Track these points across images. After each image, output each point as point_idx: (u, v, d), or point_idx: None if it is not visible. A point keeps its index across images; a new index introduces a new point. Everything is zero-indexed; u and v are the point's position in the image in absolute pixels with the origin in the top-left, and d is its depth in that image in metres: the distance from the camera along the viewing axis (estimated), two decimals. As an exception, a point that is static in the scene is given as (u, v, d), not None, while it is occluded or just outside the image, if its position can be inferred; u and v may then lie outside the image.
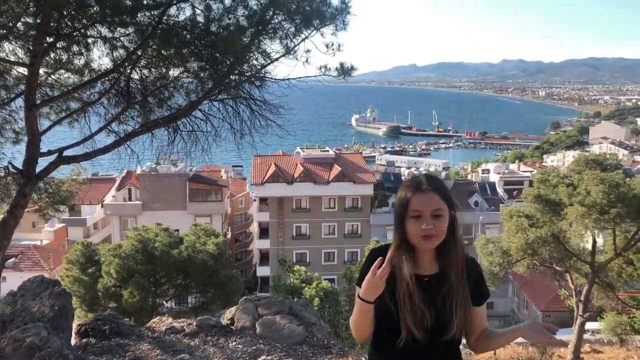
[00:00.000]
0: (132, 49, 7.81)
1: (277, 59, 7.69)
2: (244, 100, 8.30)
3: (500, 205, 43.28)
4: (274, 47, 7.71)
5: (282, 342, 5.93)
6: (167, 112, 8.59)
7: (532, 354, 17.84)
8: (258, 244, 47.67)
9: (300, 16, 7.14)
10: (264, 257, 46.22)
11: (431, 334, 2.20)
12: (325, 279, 22.11)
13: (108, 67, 8.27)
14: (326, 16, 7.17)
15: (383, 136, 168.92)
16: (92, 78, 8.39)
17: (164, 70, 8.48)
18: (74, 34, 7.76)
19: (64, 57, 8.17)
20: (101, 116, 8.86)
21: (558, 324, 27.81)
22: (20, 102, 8.53)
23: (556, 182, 17.69)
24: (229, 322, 6.35)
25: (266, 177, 44.34)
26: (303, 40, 7.41)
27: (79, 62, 8.34)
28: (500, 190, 50.93)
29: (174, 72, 8.50)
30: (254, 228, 50.55)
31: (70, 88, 8.64)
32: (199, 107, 8.45)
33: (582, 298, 18.58)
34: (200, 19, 7.65)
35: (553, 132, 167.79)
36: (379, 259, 2.18)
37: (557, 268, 19.04)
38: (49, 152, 8.26)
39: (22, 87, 8.34)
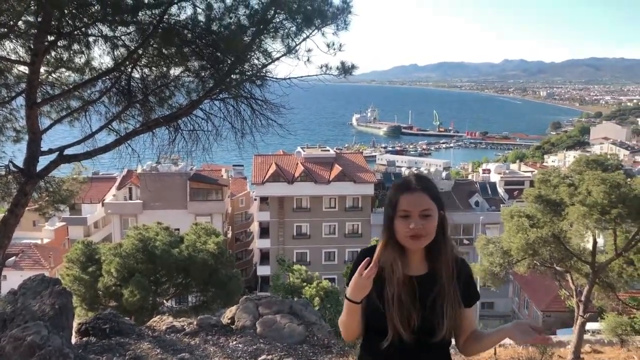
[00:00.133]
0: (133, 47, 7.81)
1: (278, 58, 7.70)
2: (245, 100, 8.30)
3: (501, 205, 43.28)
4: (275, 46, 7.72)
5: (282, 341, 5.93)
6: (168, 111, 8.59)
7: (533, 354, 17.83)
8: (258, 244, 47.68)
9: (301, 15, 7.14)
10: (265, 257, 46.23)
11: (418, 334, 2.19)
12: (325, 279, 22.14)
13: (109, 65, 8.27)
14: (327, 16, 7.16)
15: (384, 136, 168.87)
16: (93, 77, 8.39)
17: (164, 69, 8.48)
18: (75, 32, 7.76)
19: (65, 55, 8.18)
20: (102, 115, 8.86)
21: (558, 324, 27.82)
22: (21, 100, 8.53)
23: (557, 182, 17.68)
24: (229, 321, 6.35)
25: (267, 177, 44.34)
26: (304, 39, 7.41)
27: (80, 60, 8.35)
28: (501, 190, 50.92)
29: (174, 71, 8.50)
30: (255, 227, 50.56)
31: (71, 87, 8.64)
32: (200, 106, 8.44)
33: (582, 298, 18.57)
34: (201, 17, 7.65)
35: (554, 133, 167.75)
36: (366, 259, 2.17)
37: (558, 268, 19.03)
38: (50, 151, 8.26)
39: (23, 85, 8.34)
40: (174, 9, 7.50)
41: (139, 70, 8.52)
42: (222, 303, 20.29)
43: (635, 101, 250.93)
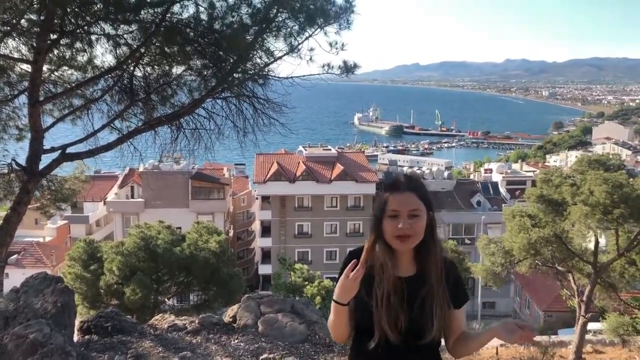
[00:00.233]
0: (135, 46, 7.82)
1: (280, 57, 7.70)
2: (247, 99, 8.31)
3: (503, 205, 43.24)
4: (277, 45, 7.72)
5: (284, 340, 5.93)
6: (170, 109, 8.60)
7: (534, 354, 17.82)
8: (260, 242, 47.71)
9: (304, 14, 7.14)
10: (266, 256, 46.26)
11: (405, 336, 2.18)
12: (327, 278, 22.14)
13: (111, 64, 8.29)
14: (330, 15, 7.16)
15: (385, 135, 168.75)
16: (96, 75, 8.41)
17: (167, 67, 8.50)
18: (78, 30, 7.78)
19: (68, 53, 8.20)
20: (104, 113, 8.88)
21: (560, 324, 27.76)
22: (23, 98, 8.55)
23: (559, 182, 17.66)
24: (231, 320, 6.36)
25: (268, 176, 44.34)
26: (307, 38, 7.42)
27: (83, 59, 8.37)
28: (502, 190, 50.88)
29: (177, 70, 8.52)
30: (256, 226, 50.58)
31: (73, 85, 8.65)
32: (202, 105, 8.45)
33: (584, 298, 18.55)
34: (203, 16, 7.66)
35: (556, 132, 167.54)
36: (353, 261, 2.17)
37: (560, 268, 19.01)
38: (52, 149, 8.28)
39: (26, 83, 8.36)
40: (176, 8, 7.51)
41: (141, 69, 8.54)
42: (223, 302, 20.32)
43: (637, 101, 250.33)
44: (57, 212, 12.21)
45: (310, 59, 7.46)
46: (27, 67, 8.21)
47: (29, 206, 8.77)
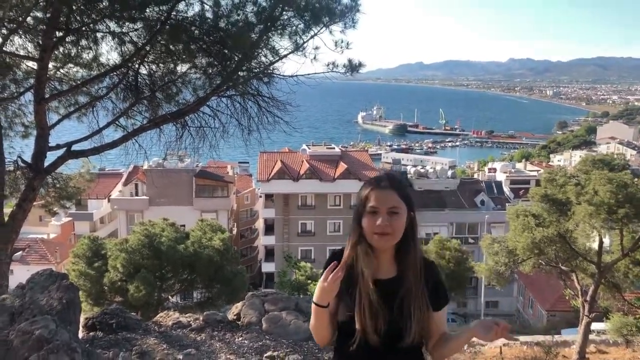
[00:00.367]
0: (140, 44, 7.83)
1: (285, 56, 7.71)
2: (252, 97, 8.32)
3: (507, 204, 43.12)
4: (282, 43, 7.73)
5: (288, 338, 5.94)
6: (175, 107, 8.62)
7: (537, 353, 17.81)
8: (263, 240, 47.76)
9: (309, 13, 7.14)
10: (269, 254, 46.31)
11: (385, 338, 2.16)
12: (330, 276, 22.09)
13: (116, 62, 8.31)
14: (336, 13, 7.17)
15: (389, 134, 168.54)
16: (101, 72, 8.44)
17: (172, 65, 8.52)
18: (83, 28, 7.79)
19: (73, 51, 8.23)
20: (109, 111, 8.91)
21: (563, 324, 27.66)
22: (29, 96, 8.59)
23: (563, 181, 17.61)
24: (235, 317, 6.37)
25: (272, 174, 44.38)
26: (312, 37, 7.42)
27: (88, 56, 8.40)
28: (506, 189, 50.76)
29: (182, 68, 8.53)
30: (260, 224, 50.63)
31: (79, 82, 8.68)
32: (207, 103, 8.47)
33: (588, 298, 18.49)
34: (209, 14, 7.67)
35: (560, 132, 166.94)
36: (333, 262, 2.16)
37: (563, 268, 18.96)
38: (58, 147, 8.31)
39: (32, 81, 8.39)
40: (181, 6, 7.53)
41: (147, 67, 8.56)
42: (227, 299, 20.35)
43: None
44: (61, 210, 12.22)
45: (315, 57, 7.48)
46: (33, 65, 8.25)
47: (34, 203, 8.80)
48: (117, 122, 8.70)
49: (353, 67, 7.65)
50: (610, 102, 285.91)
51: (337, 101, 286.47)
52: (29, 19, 7.57)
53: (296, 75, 7.90)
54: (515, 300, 42.87)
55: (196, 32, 7.81)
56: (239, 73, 8.09)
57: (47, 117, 8.22)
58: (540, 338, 21.55)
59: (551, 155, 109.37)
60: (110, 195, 45.89)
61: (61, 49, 8.08)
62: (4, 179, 8.37)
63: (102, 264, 20.43)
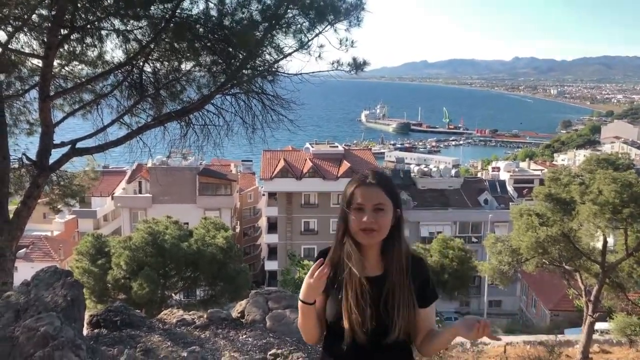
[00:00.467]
0: (145, 42, 7.84)
1: (290, 54, 7.70)
2: (256, 95, 8.32)
3: (510, 203, 43.07)
4: (287, 41, 7.72)
5: (292, 336, 5.95)
6: (180, 105, 8.62)
7: (541, 353, 17.79)
8: (266, 239, 47.80)
9: (314, 11, 7.13)
10: (272, 252, 46.35)
11: (372, 336, 2.16)
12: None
13: (121, 59, 8.32)
14: (340, 11, 7.15)
15: (393, 132, 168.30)
16: (105, 70, 8.45)
17: (176, 63, 8.52)
18: (88, 26, 7.81)
19: (78, 49, 8.24)
20: (113, 109, 8.92)
21: (566, 323, 27.64)
22: (34, 93, 8.61)
23: (568, 181, 17.58)
24: (239, 315, 6.39)
25: (275, 172, 44.41)
26: (317, 35, 7.40)
27: (93, 54, 8.41)
28: (510, 188, 50.67)
29: (186, 66, 8.54)
30: (263, 222, 50.68)
31: (83, 80, 8.69)
32: (212, 101, 8.47)
33: (591, 298, 18.47)
34: (213, 12, 7.67)
35: (564, 131, 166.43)
36: (319, 260, 2.17)
37: (567, 267, 18.93)
38: (62, 144, 8.33)
39: (37, 78, 8.41)
40: (186, 3, 7.53)
41: (151, 65, 8.57)
42: (230, 297, 20.41)
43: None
44: (65, 208, 12.24)
45: (320, 55, 7.46)
46: (38, 62, 8.26)
47: (38, 201, 8.82)
48: (121, 120, 8.70)
49: (358, 66, 7.63)
50: (615, 101, 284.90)
51: (341, 99, 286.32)
52: (34, 16, 7.59)
53: (300, 74, 7.89)
54: (519, 300, 42.82)
55: (201, 30, 7.81)
56: (244, 71, 8.09)
57: (52, 115, 8.24)
58: (543, 337, 21.54)
59: (555, 155, 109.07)
60: (113, 193, 45.99)
61: (66, 47, 8.09)
62: (8, 176, 8.38)
63: (106, 261, 20.49)
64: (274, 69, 8.07)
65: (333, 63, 7.70)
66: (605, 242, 17.60)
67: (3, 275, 7.80)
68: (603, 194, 15.51)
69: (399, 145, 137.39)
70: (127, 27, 7.80)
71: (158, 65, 8.61)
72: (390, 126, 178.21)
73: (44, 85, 7.73)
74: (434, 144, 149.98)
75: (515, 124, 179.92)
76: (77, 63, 8.69)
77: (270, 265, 45.32)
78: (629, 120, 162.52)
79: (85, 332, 5.63)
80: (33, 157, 8.21)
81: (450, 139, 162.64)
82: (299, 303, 2.24)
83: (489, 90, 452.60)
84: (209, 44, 7.93)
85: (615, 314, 18.94)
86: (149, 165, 39.18)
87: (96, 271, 20.32)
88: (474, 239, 43.74)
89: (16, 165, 8.68)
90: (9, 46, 7.83)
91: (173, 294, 21.74)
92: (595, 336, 20.53)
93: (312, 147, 49.97)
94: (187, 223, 25.10)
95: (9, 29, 7.63)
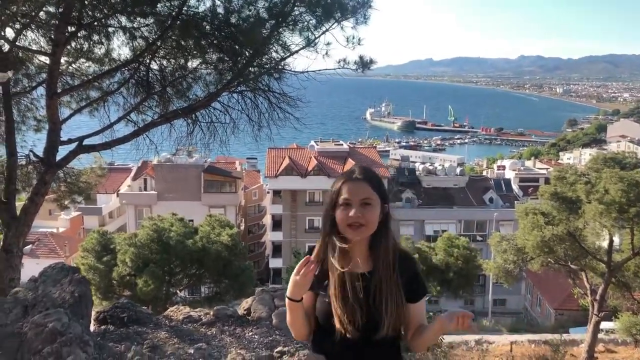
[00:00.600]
0: (151, 39, 7.86)
1: (296, 52, 7.70)
2: (263, 93, 8.32)
3: (515, 202, 42.92)
4: (293, 39, 7.72)
5: (297, 333, 5.94)
6: (186, 103, 8.64)
7: (546, 352, 17.76)
8: (271, 236, 47.84)
9: (321, 8, 7.12)
10: (277, 249, 46.38)
11: (363, 331, 2.16)
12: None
13: (128, 57, 8.34)
14: (348, 9, 7.14)
15: (398, 131, 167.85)
16: (112, 68, 8.48)
17: (183, 61, 8.54)
18: (95, 23, 7.83)
19: (85, 46, 8.27)
20: (120, 106, 8.95)
21: (571, 322, 27.54)
22: (41, 90, 8.65)
23: (574, 179, 17.51)
24: (245, 312, 6.40)
25: (280, 170, 44.42)
26: (323, 32, 7.40)
27: (100, 51, 8.44)
28: (515, 187, 50.49)
29: (192, 63, 8.55)
30: (267, 220, 50.73)
31: (90, 77, 8.72)
32: (218, 99, 8.48)
33: (597, 297, 18.40)
34: (220, 10, 7.69)
35: (570, 130, 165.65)
36: (305, 257, 2.17)
37: (573, 266, 18.87)
38: (69, 141, 8.36)
39: (44, 75, 8.44)
40: (192, 1, 7.55)
41: (158, 62, 8.59)
42: (234, 294, 20.46)
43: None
44: (72, 205, 12.28)
45: (327, 53, 7.45)
46: (45, 59, 8.29)
47: (45, 197, 8.86)
48: (128, 117, 8.73)
49: (364, 64, 7.62)
50: (622, 99, 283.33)
51: (346, 97, 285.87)
52: (41, 13, 7.62)
53: (307, 71, 7.88)
54: (523, 299, 42.73)
55: (207, 27, 7.82)
56: (250, 69, 8.10)
57: (59, 112, 8.27)
58: (548, 336, 21.50)
59: (560, 153, 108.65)
60: (119, 190, 46.12)
61: (73, 44, 8.12)
62: (16, 173, 8.43)
63: (111, 258, 20.56)
64: (280, 67, 8.07)
65: (340, 61, 7.70)
66: (611, 241, 17.53)
67: (10, 271, 7.85)
68: (609, 193, 15.43)
69: (404, 144, 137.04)
70: (134, 25, 7.82)
71: (164, 62, 8.63)
72: (395, 124, 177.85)
73: (51, 83, 7.76)
74: (439, 142, 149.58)
75: (520, 123, 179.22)
76: (84, 60, 8.73)
77: (275, 263, 45.38)
78: (635, 119, 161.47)
79: (92, 328, 5.65)
80: (40, 153, 8.24)
81: (456, 137, 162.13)
82: (286, 300, 2.24)
83: (495, 88, 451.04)
84: (215, 42, 7.94)
85: (620, 314, 18.90)
86: (155, 162, 39.24)
87: (101, 268, 20.40)
88: (478, 238, 43.63)
89: (23, 162, 8.73)
90: (17, 43, 7.86)
91: (178, 291, 21.81)
92: (600, 335, 20.47)
93: (317, 144, 49.96)
94: (192, 220, 25.15)
95: (17, 26, 7.66)
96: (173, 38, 8.09)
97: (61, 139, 8.23)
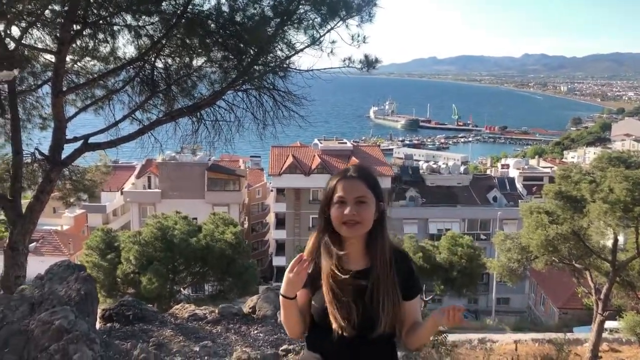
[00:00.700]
0: (157, 37, 7.86)
1: (301, 50, 7.69)
2: (268, 91, 8.32)
3: (519, 201, 42.85)
4: (298, 37, 7.71)
5: (302, 332, 5.95)
6: (191, 101, 8.65)
7: (550, 351, 17.73)
8: (274, 234, 47.88)
9: (326, 7, 7.11)
10: (280, 248, 46.42)
11: (359, 329, 2.16)
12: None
13: (133, 55, 8.36)
14: (353, 7, 7.13)
15: (401, 129, 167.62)
16: (117, 66, 8.49)
17: (188, 59, 8.54)
18: (100, 22, 7.84)
19: (90, 44, 8.28)
20: (125, 104, 8.96)
21: (575, 322, 27.49)
22: (47, 88, 8.67)
23: (578, 178, 17.46)
24: (250, 310, 6.41)
25: (283, 168, 44.44)
26: (328, 31, 7.39)
27: (105, 50, 8.45)
28: (519, 185, 50.40)
29: (197, 62, 8.55)
30: (271, 218, 50.77)
31: (95, 76, 8.74)
32: (223, 97, 8.49)
33: (601, 296, 18.36)
34: (225, 8, 7.68)
35: (574, 128, 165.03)
36: (299, 254, 2.17)
37: (577, 265, 18.83)
38: (75, 139, 8.38)
39: (49, 73, 8.46)
40: (197, -1, 7.53)
41: (162, 60, 8.60)
42: (238, 292, 20.48)
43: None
44: (77, 202, 12.32)
45: (332, 51, 7.44)
46: (50, 58, 8.32)
47: (51, 195, 8.89)
48: (133, 116, 8.75)
49: (370, 63, 7.61)
50: (626, 98, 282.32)
51: (349, 95, 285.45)
52: (47, 12, 7.63)
53: (312, 70, 7.87)
54: (527, 298, 42.67)
55: (212, 25, 7.82)
56: (255, 67, 8.09)
57: (65, 110, 8.29)
58: (552, 335, 21.46)
59: (565, 152, 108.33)
60: (123, 188, 46.22)
61: (78, 42, 8.13)
62: (21, 170, 8.46)
63: (115, 256, 20.62)
64: (285, 65, 8.06)
65: (345, 60, 7.68)
66: (615, 241, 17.47)
67: (16, 269, 7.88)
68: (614, 192, 15.39)
69: (408, 142, 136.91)
70: (139, 23, 7.83)
71: (169, 61, 8.64)
72: (398, 122, 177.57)
73: (57, 81, 7.78)
74: (442, 140, 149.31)
75: (524, 121, 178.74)
76: (89, 59, 8.75)
77: (278, 261, 45.39)
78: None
79: (98, 325, 5.67)
80: (46, 152, 8.27)
81: (459, 135, 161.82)
82: (280, 298, 2.24)
83: (499, 86, 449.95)
84: (220, 40, 7.93)
85: (625, 313, 18.83)
86: (159, 160, 39.28)
87: (105, 265, 20.45)
88: (482, 237, 43.54)
89: (29, 160, 8.76)
90: (23, 41, 7.88)
91: (182, 289, 21.85)
92: (604, 334, 20.42)
93: (321, 143, 49.95)
94: (196, 218, 25.17)
95: (23, 24, 7.68)
96: (178, 36, 8.10)
97: (66, 137, 8.26)
